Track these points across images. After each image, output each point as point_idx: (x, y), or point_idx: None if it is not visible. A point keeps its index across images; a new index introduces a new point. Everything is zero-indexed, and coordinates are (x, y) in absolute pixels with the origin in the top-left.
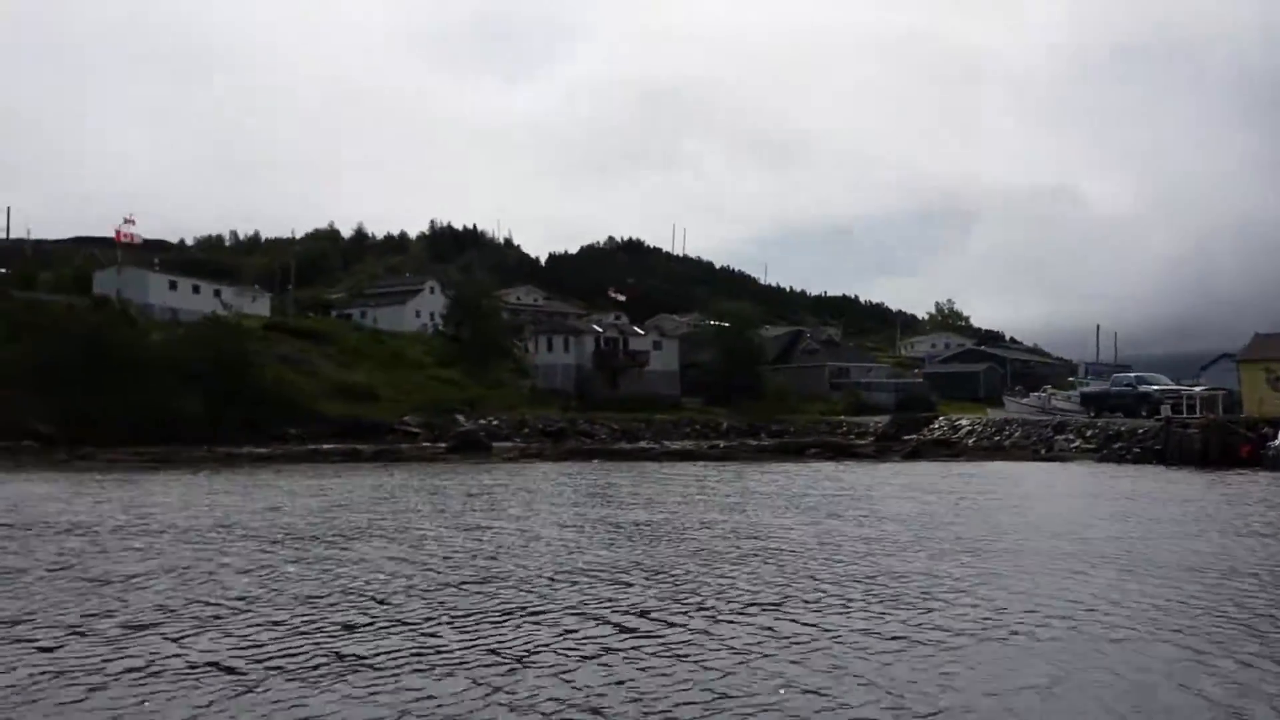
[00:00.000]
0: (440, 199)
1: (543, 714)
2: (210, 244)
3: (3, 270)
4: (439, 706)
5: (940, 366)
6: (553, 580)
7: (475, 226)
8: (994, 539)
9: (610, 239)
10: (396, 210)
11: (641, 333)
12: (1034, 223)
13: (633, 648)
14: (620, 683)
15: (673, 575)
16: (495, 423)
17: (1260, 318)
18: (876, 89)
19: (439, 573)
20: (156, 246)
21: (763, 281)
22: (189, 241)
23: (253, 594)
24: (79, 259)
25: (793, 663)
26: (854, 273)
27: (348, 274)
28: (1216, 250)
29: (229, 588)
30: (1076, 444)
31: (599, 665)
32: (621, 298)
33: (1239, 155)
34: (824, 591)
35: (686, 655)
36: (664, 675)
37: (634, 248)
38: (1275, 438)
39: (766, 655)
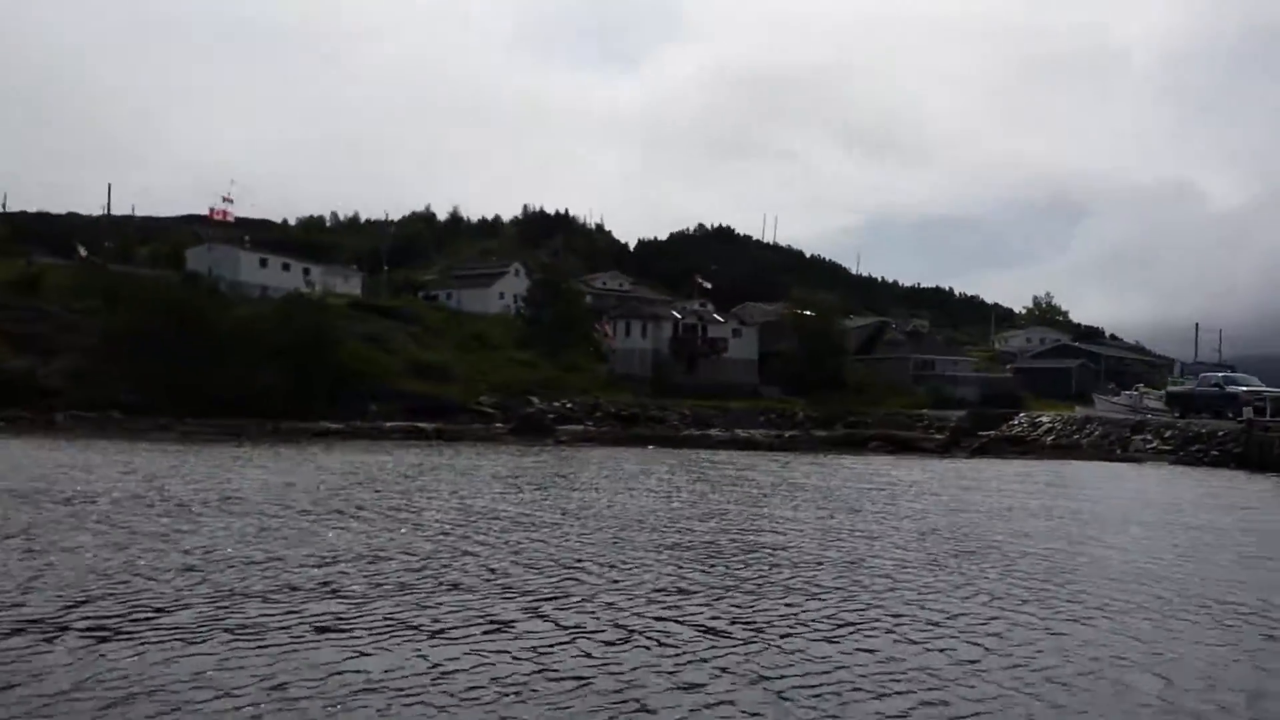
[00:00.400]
0: (537, 186)
1: None
2: (311, 224)
3: (106, 244)
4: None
5: (1031, 362)
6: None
7: (567, 211)
8: (970, 558)
9: (700, 226)
10: (493, 195)
11: (721, 320)
12: (1146, 217)
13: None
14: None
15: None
16: (569, 406)
17: None
18: (985, 77)
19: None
20: (260, 225)
21: (854, 271)
22: (291, 221)
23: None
24: (178, 236)
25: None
26: (955, 265)
27: (441, 256)
28: None
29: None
30: (1154, 445)
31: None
32: (707, 285)
33: None
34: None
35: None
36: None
37: (724, 235)
38: None
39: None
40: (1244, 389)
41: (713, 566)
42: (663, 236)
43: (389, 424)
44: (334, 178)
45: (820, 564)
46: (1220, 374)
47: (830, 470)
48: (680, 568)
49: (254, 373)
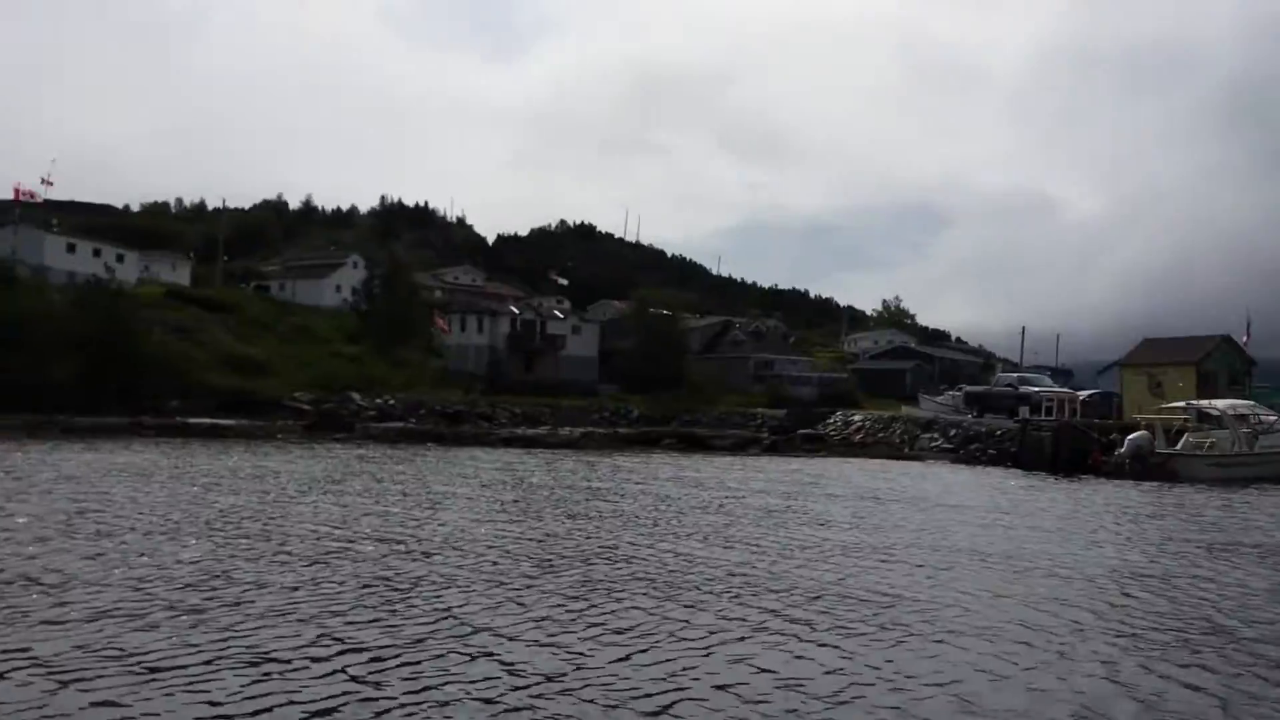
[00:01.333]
0: (402, 177)
1: None
2: (155, 210)
3: None
4: None
5: (869, 363)
6: None
7: (426, 204)
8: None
9: (562, 222)
10: (358, 185)
11: (561, 316)
12: (1008, 226)
13: None
14: None
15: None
16: (391, 403)
17: (1228, 324)
18: (862, 85)
19: None
20: (99, 210)
21: (714, 272)
22: (135, 207)
23: None
24: None
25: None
26: (822, 268)
27: (291, 246)
28: (1189, 257)
29: None
30: (938, 443)
31: None
32: (563, 281)
33: (1214, 162)
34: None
35: None
36: None
37: (585, 232)
38: (1124, 445)
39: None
40: (1037, 389)
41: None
42: (523, 232)
43: (191, 420)
44: (187, 165)
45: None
46: (1015, 375)
47: (597, 469)
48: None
49: (43, 364)
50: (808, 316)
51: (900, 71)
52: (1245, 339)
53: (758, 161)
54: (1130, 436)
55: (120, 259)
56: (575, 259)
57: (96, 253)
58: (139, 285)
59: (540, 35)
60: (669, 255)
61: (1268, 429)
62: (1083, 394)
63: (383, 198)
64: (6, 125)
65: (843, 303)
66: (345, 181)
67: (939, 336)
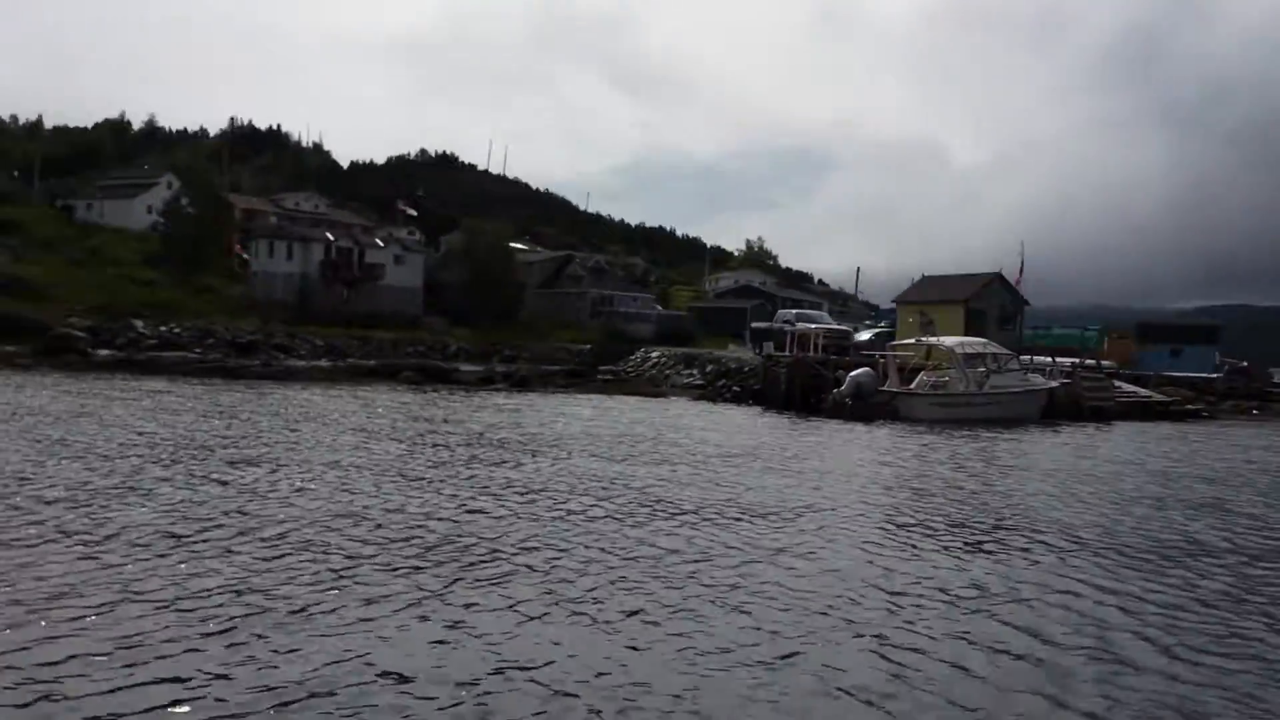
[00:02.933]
0: (273, 105)
1: None
2: None
3: None
4: None
5: (713, 302)
6: None
7: (279, 127)
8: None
9: (422, 151)
10: (217, 110)
11: (381, 245)
12: (895, 173)
13: None
14: None
15: None
16: (177, 330)
17: (1107, 272)
18: (760, 30)
19: None
20: None
21: (582, 209)
22: None
23: None
24: None
25: None
26: (705, 209)
27: (127, 167)
28: (1067, 207)
29: None
30: (693, 378)
31: None
32: (412, 211)
33: (1089, 115)
34: None
35: None
36: None
37: (446, 161)
38: (845, 384)
39: None
40: (813, 327)
41: None
42: (380, 160)
43: None
44: (36, 82)
45: None
46: (795, 312)
47: (290, 401)
48: None
49: None
50: (673, 256)
51: (797, 17)
52: (1018, 278)
53: (650, 102)
54: (851, 373)
55: None
56: (433, 190)
57: None
58: None
59: None
60: (536, 189)
61: (1001, 369)
62: (866, 333)
63: (232, 119)
64: None
65: (723, 244)
66: (204, 106)
67: (802, 279)
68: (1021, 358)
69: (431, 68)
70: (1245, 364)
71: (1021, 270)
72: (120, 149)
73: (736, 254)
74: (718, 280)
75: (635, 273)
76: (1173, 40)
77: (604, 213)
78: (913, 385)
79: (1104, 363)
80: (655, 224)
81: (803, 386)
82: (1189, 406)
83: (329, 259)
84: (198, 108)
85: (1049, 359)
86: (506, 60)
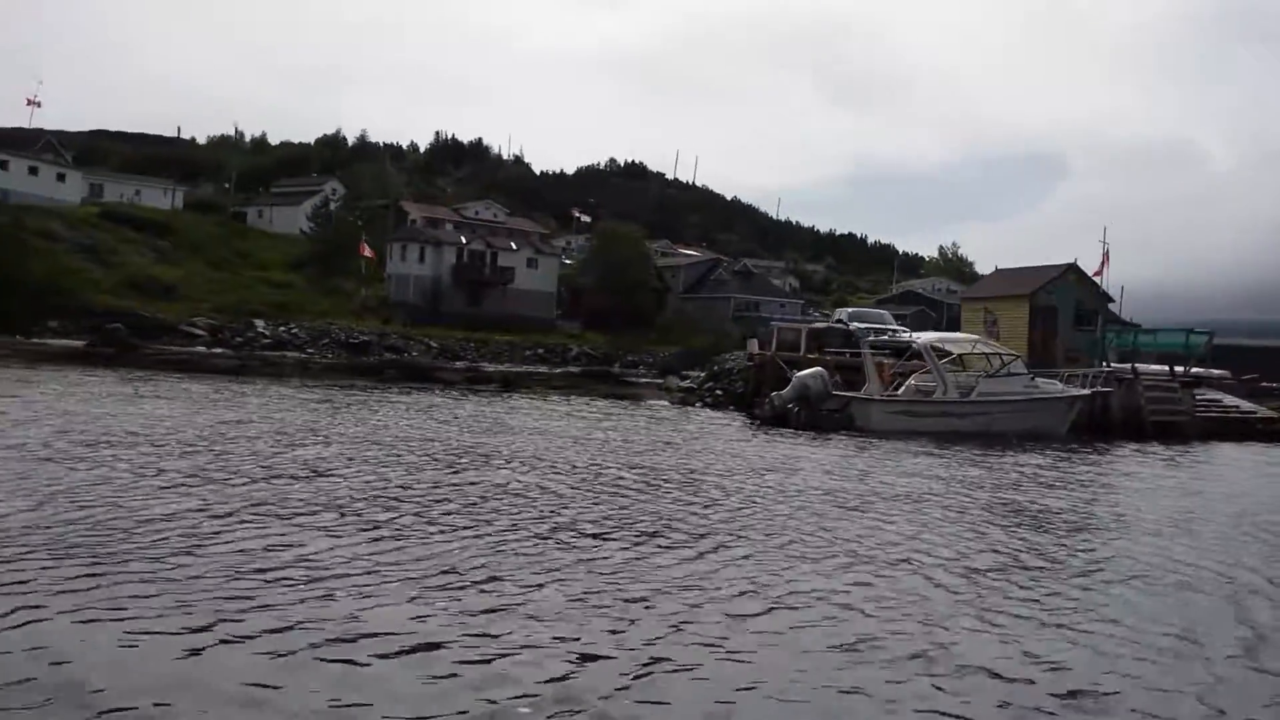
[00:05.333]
0: (482, 119)
1: None
2: (223, 142)
3: None
4: None
5: (870, 308)
6: None
7: (480, 140)
8: None
9: (611, 161)
10: (422, 122)
11: (515, 248)
12: (1134, 177)
13: None
14: None
15: None
16: (294, 330)
17: None
18: (975, 33)
19: None
20: (155, 141)
21: (774, 216)
22: (202, 138)
23: None
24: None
25: None
26: (916, 220)
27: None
28: None
29: None
30: (687, 381)
31: None
32: (586, 218)
33: None
34: None
35: None
36: None
37: (635, 171)
38: (788, 387)
39: None
40: (864, 326)
41: None
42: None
43: (29, 340)
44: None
45: None
46: (849, 311)
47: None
48: None
49: None
50: (862, 264)
51: (1022, 20)
52: (1097, 271)
53: (866, 111)
54: (798, 374)
55: (61, 178)
56: (618, 198)
57: (33, 170)
58: (81, 205)
59: None
60: (722, 197)
61: (1000, 372)
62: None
63: (437, 133)
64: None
65: (898, 249)
66: (410, 118)
67: None
68: (1105, 364)
69: (639, 80)
70: None
71: (1105, 263)
72: (331, 162)
73: (928, 261)
74: (901, 287)
75: (814, 280)
76: None
77: (797, 220)
78: (900, 391)
79: (1213, 371)
80: (858, 232)
81: (771, 388)
82: None
83: (460, 262)
84: (408, 122)
85: (1129, 365)
86: (717, 72)
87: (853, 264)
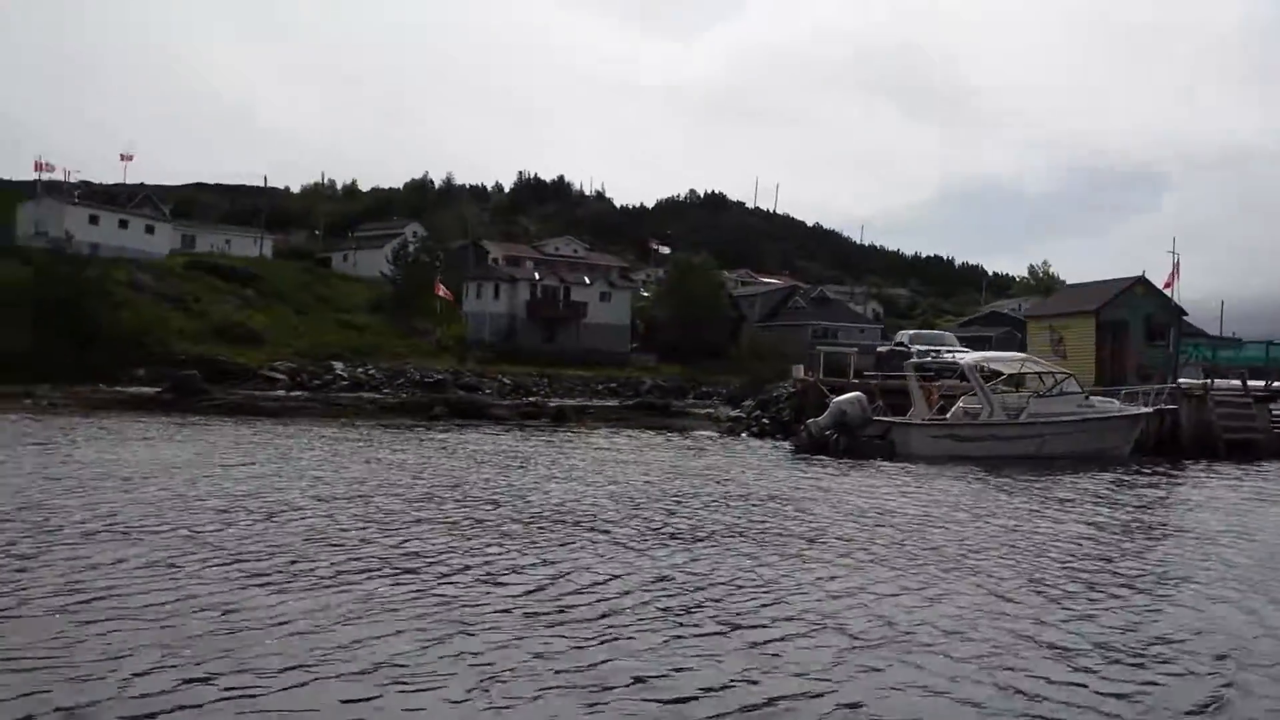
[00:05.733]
0: (565, 157)
1: None
2: (316, 192)
3: None
4: None
5: (958, 330)
6: None
7: (562, 178)
8: None
9: (691, 192)
10: (503, 163)
11: (588, 282)
12: (1222, 188)
13: None
14: None
15: None
16: (371, 372)
17: None
18: (1062, 49)
19: None
20: (252, 191)
21: (856, 241)
22: (295, 189)
23: None
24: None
25: None
26: (1009, 239)
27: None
28: None
29: None
30: (738, 411)
31: None
32: (664, 250)
33: None
34: None
35: None
36: None
37: (714, 202)
38: (825, 413)
39: None
40: (925, 348)
41: None
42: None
43: (112, 388)
44: (388, 150)
45: None
46: (909, 333)
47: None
48: None
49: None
50: (950, 286)
51: (1108, 32)
52: (1167, 283)
53: (952, 131)
54: (835, 399)
55: (150, 230)
56: (698, 229)
57: (123, 224)
58: (169, 256)
59: (714, 17)
60: (804, 224)
61: (1051, 391)
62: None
63: (519, 173)
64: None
65: (986, 269)
66: (495, 159)
67: None
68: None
69: (717, 111)
70: None
71: (1175, 274)
72: (419, 206)
73: (1018, 281)
74: (985, 309)
75: (899, 304)
76: None
77: (882, 245)
78: (949, 414)
79: None
80: (945, 254)
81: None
82: None
83: (534, 298)
84: (494, 163)
85: (1207, 380)
86: (795, 99)
87: (939, 286)
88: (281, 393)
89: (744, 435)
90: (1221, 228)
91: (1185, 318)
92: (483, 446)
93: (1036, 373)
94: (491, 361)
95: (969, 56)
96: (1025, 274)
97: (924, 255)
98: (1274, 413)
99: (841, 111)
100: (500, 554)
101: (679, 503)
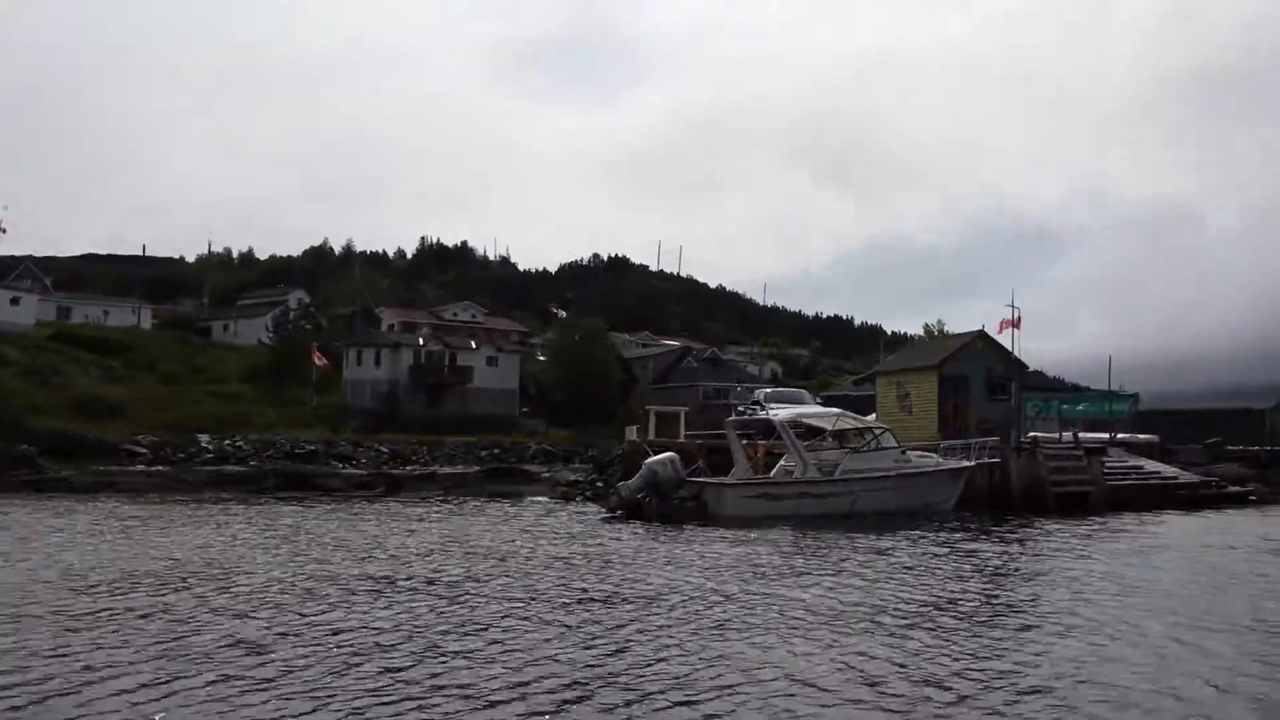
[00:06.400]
0: (471, 223)
1: None
2: (219, 262)
3: None
4: None
5: (848, 389)
6: None
7: (465, 243)
8: None
9: (595, 256)
10: (410, 229)
11: (474, 347)
12: (1132, 247)
13: None
14: None
15: None
16: (240, 443)
17: None
18: (969, 114)
19: None
20: (141, 261)
21: (760, 303)
22: (189, 258)
23: None
24: None
25: None
26: (919, 300)
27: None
28: None
29: None
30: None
31: None
32: (561, 313)
33: None
34: None
35: None
36: None
37: (618, 265)
38: (636, 475)
39: None
40: (777, 408)
41: None
42: (552, 268)
43: None
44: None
45: None
46: (766, 392)
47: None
48: None
49: None
50: (851, 346)
51: (1015, 96)
52: (1008, 327)
53: (864, 195)
54: (647, 461)
55: (15, 302)
56: (606, 292)
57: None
58: (37, 326)
59: (629, 83)
60: (707, 286)
61: (866, 447)
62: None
63: (422, 239)
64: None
65: (886, 329)
66: (399, 226)
67: None
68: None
69: (626, 176)
70: None
71: (1014, 326)
72: (316, 273)
73: (915, 339)
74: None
75: (799, 364)
76: None
77: (784, 305)
78: (773, 472)
79: (1139, 436)
80: (846, 314)
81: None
82: (1233, 489)
83: (418, 364)
84: (398, 230)
85: (1059, 435)
86: (707, 165)
87: (840, 346)
88: (142, 467)
89: (579, 499)
90: (1124, 285)
91: (1036, 370)
92: (280, 522)
93: (852, 429)
94: (372, 430)
95: (878, 120)
96: (920, 332)
97: (825, 315)
98: (1112, 465)
99: (750, 176)
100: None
101: (392, 585)
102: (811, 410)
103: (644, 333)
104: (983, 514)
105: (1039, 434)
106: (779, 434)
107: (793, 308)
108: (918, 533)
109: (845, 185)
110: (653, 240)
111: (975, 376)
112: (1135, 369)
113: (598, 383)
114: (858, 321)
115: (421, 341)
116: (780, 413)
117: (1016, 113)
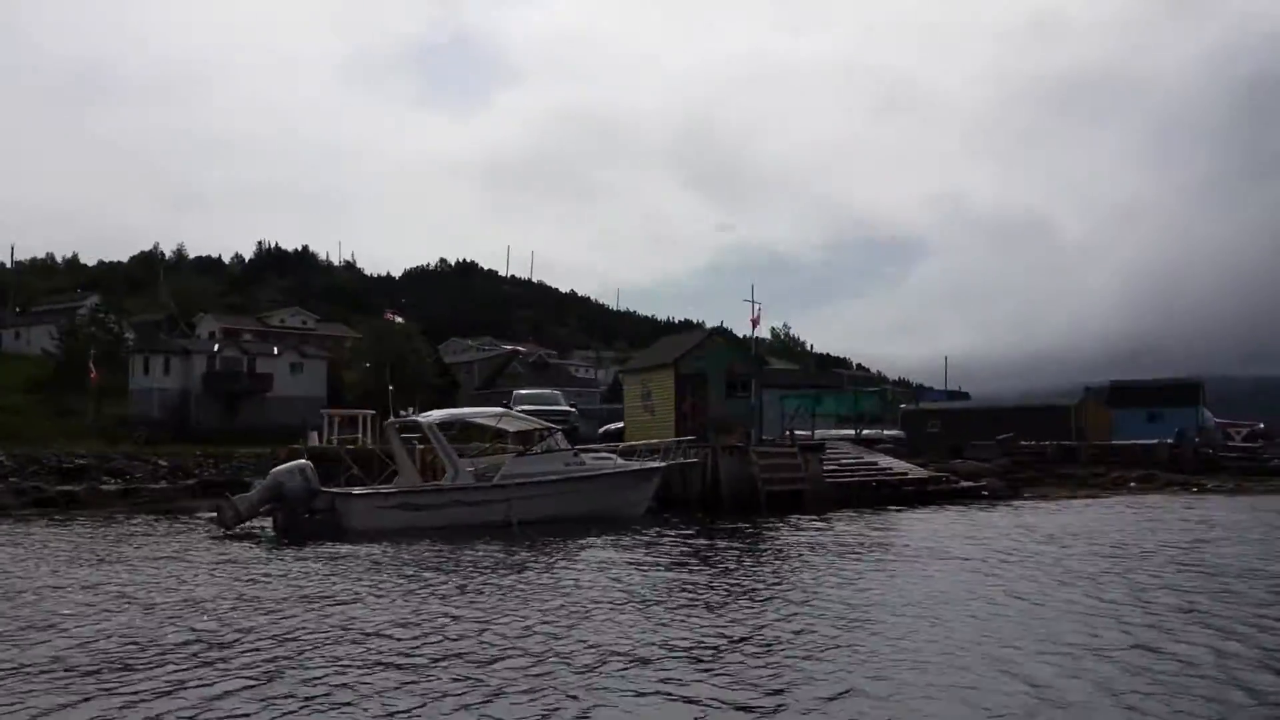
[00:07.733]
0: (319, 228)
1: None
2: (30, 266)
3: None
4: None
5: (545, 390)
6: None
7: (306, 248)
8: None
9: (442, 260)
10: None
11: (276, 353)
12: (985, 253)
13: None
14: None
15: None
16: (1, 459)
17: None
18: (822, 123)
19: None
20: None
21: (613, 308)
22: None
23: None
24: None
25: None
26: (784, 306)
27: (140, 297)
28: (1174, 275)
29: None
30: None
31: None
32: (398, 319)
33: (1186, 180)
34: None
35: None
36: None
37: (466, 270)
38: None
39: None
40: (532, 410)
41: None
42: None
43: None
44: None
45: None
46: (529, 391)
47: None
48: None
49: None
50: None
51: (868, 106)
52: (751, 330)
53: (728, 203)
54: (274, 470)
55: None
56: (454, 297)
57: None
58: None
59: (496, 89)
60: (558, 291)
61: (534, 450)
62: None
63: (259, 243)
64: None
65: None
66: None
67: (835, 363)
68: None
69: (485, 184)
70: (1261, 426)
71: (756, 322)
72: (143, 280)
73: (765, 343)
74: None
75: (549, 365)
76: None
77: (637, 310)
78: (444, 479)
79: (886, 432)
80: (697, 319)
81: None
82: (965, 485)
83: (212, 371)
84: (236, 234)
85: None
86: (570, 174)
87: None
88: None
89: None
90: (980, 290)
91: (853, 371)
92: None
93: (518, 430)
94: (162, 442)
95: (743, 129)
96: (769, 336)
97: (678, 320)
98: (832, 463)
99: (615, 184)
100: None
101: None
102: (473, 410)
103: (486, 337)
104: (691, 516)
105: (800, 431)
106: (431, 437)
107: (647, 313)
108: (564, 541)
109: (709, 194)
110: (503, 247)
111: (714, 374)
112: (990, 369)
113: (410, 388)
114: (709, 326)
115: (216, 347)
116: (433, 414)
117: (879, 123)
